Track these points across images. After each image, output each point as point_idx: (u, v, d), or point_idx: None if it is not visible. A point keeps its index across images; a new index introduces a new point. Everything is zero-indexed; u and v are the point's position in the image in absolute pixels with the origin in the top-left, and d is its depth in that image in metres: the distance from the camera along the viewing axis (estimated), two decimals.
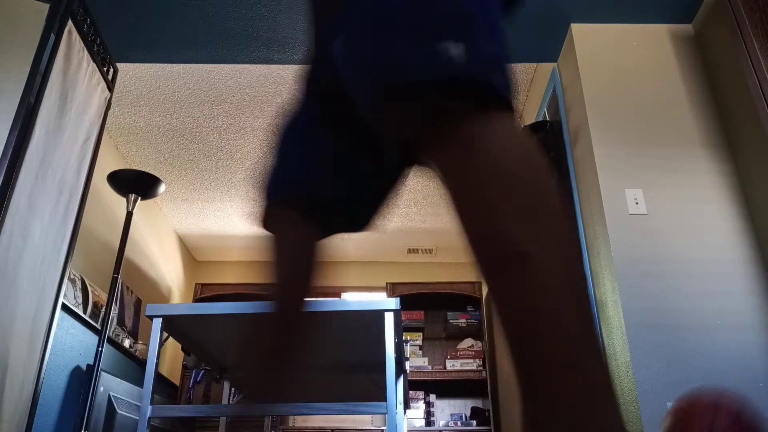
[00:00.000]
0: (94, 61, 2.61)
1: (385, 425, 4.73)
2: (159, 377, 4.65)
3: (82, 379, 3.37)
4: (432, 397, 5.15)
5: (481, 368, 5.02)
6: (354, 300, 1.77)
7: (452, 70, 0.61)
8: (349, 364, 2.30)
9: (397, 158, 0.85)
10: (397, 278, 5.92)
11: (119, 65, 3.33)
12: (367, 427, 4.72)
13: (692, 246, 2.40)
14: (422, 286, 5.35)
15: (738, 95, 2.51)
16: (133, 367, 4.17)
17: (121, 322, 4.21)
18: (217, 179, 4.61)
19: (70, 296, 3.39)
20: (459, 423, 4.96)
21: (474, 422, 4.92)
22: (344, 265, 6.11)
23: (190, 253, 5.92)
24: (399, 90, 0.64)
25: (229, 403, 2.50)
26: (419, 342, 5.32)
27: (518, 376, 0.58)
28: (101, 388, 3.20)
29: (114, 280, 3.07)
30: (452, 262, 6.11)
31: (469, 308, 5.40)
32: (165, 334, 1.89)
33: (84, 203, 2.53)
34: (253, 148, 4.21)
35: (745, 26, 2.23)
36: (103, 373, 3.23)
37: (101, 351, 2.90)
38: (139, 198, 3.28)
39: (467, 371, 5.01)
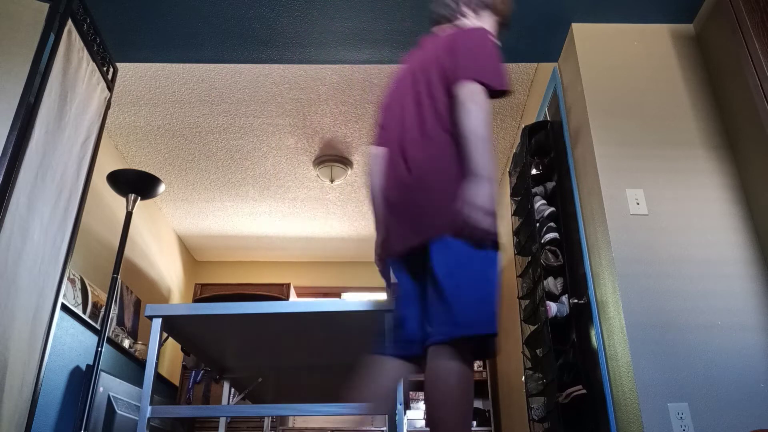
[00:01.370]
0: (94, 60, 2.61)
1: (385, 425, 4.73)
2: (159, 377, 4.65)
3: (82, 380, 3.37)
4: None
5: (481, 369, 5.02)
6: (354, 300, 1.76)
7: None
8: (349, 364, 2.29)
9: None
10: None
11: (119, 65, 3.33)
12: (367, 428, 4.72)
13: (693, 246, 2.40)
14: None
15: (739, 95, 2.51)
16: (132, 367, 4.17)
17: (120, 322, 4.21)
18: (217, 179, 4.61)
19: (69, 296, 3.39)
20: None
21: (474, 423, 4.92)
22: (344, 265, 6.11)
23: (190, 253, 5.91)
24: None
25: (228, 403, 2.49)
26: None
27: None
28: (101, 389, 3.20)
29: (114, 280, 3.07)
30: None
31: None
32: (165, 335, 1.88)
33: (84, 203, 2.52)
34: (253, 148, 4.21)
35: (746, 26, 2.22)
36: (102, 374, 3.23)
37: (101, 351, 2.89)
38: (139, 198, 3.27)
39: None
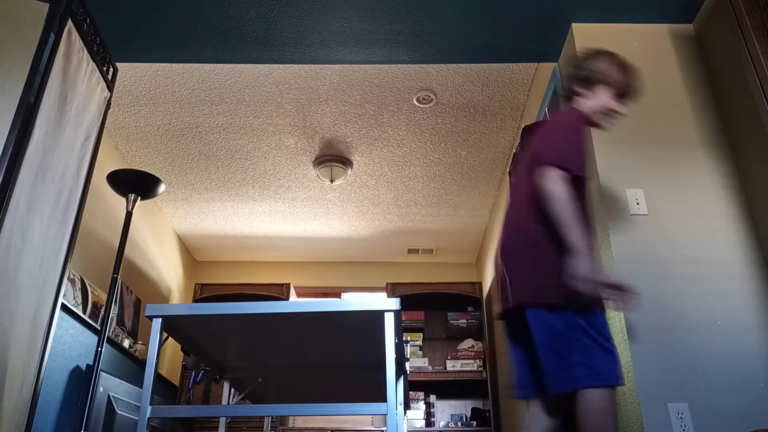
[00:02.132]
0: (94, 60, 2.61)
1: (385, 426, 4.73)
2: (159, 377, 4.65)
3: (82, 380, 3.37)
4: (432, 398, 5.15)
5: (481, 369, 5.02)
6: (354, 300, 1.76)
7: None
8: (349, 364, 2.29)
9: None
10: (397, 278, 5.91)
11: (119, 65, 3.33)
12: (367, 428, 4.72)
13: (693, 246, 2.40)
14: (422, 286, 5.34)
15: (739, 95, 2.51)
16: (132, 367, 4.17)
17: (120, 322, 4.21)
18: (216, 179, 4.61)
19: (69, 296, 3.39)
20: (459, 423, 4.95)
21: (474, 423, 4.92)
22: (344, 265, 6.11)
23: (190, 253, 5.91)
24: None
25: (228, 403, 2.49)
26: (419, 342, 5.31)
27: None
28: (101, 389, 3.20)
29: (114, 280, 3.07)
30: (452, 262, 6.10)
31: (470, 308, 5.40)
32: (165, 335, 1.88)
33: (84, 203, 2.52)
34: (253, 147, 4.21)
35: (746, 26, 2.22)
36: (102, 374, 3.23)
37: (101, 351, 2.89)
38: (139, 198, 3.27)
39: (467, 372, 5.01)
